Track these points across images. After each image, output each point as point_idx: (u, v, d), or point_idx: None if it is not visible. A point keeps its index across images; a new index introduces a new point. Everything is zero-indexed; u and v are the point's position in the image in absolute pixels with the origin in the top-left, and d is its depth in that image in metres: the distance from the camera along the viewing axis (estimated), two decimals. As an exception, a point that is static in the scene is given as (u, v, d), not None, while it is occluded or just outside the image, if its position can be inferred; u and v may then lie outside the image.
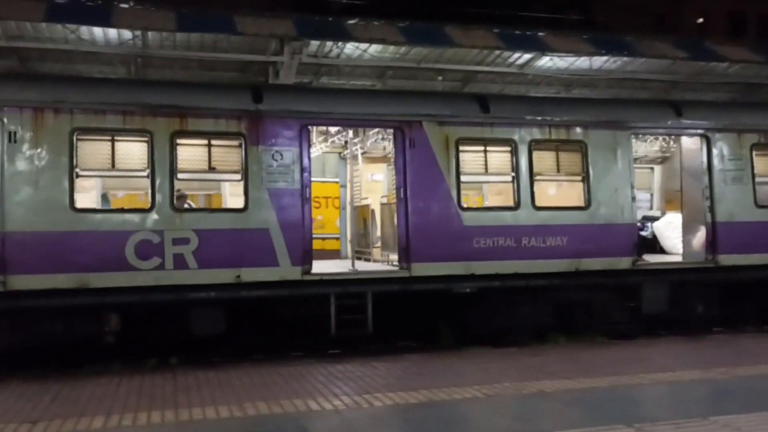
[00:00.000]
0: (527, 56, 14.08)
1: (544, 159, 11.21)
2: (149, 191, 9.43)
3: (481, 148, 10.94)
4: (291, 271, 9.66)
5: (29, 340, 9.08)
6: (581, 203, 11.13)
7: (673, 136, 13.48)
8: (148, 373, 8.59)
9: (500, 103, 11.38)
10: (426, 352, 9.87)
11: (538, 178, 11.02)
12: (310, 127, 10.32)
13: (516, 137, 10.88)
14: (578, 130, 11.21)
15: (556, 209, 11.13)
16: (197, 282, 9.30)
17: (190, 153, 9.89)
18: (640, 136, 13.15)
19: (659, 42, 15.34)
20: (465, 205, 10.90)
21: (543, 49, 13.91)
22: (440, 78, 15.23)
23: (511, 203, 11.00)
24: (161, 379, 8.17)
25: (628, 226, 11.27)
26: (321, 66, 15.03)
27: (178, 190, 11.42)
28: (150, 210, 9.32)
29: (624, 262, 11.12)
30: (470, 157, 10.90)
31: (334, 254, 14.53)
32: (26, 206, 8.83)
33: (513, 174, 10.84)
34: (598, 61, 14.47)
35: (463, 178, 10.65)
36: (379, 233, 12.76)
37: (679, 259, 12.46)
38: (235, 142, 9.85)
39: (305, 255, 9.79)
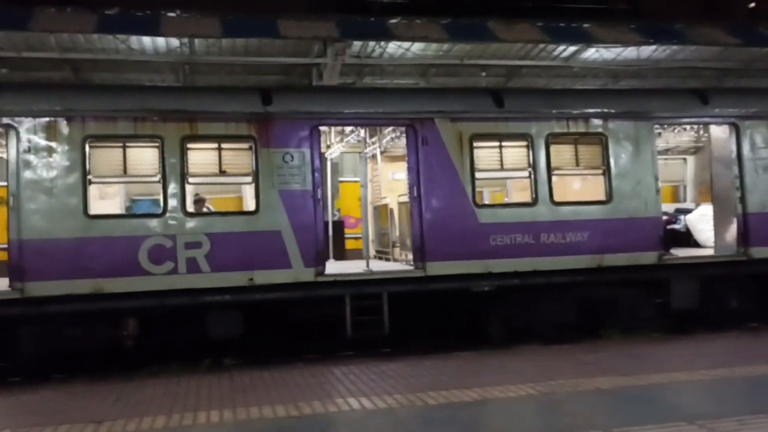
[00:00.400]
0: (572, 48, 13.87)
1: (563, 153, 10.99)
2: (161, 196, 9.56)
3: (496, 143, 10.77)
4: (304, 272, 9.68)
5: (52, 345, 9.25)
6: (602, 197, 10.86)
7: (701, 126, 13.05)
8: (205, 373, 8.77)
9: (515, 97, 11.17)
10: (477, 350, 9.78)
11: (556, 172, 10.80)
12: (321, 127, 10.31)
13: (532, 131, 10.66)
14: (598, 122, 10.94)
15: (576, 204, 10.87)
16: (210, 285, 9.37)
17: (201, 157, 10.00)
18: (666, 126, 12.73)
19: (710, 28, 14.91)
20: (480, 202, 10.79)
21: (588, 40, 13.68)
22: (484, 74, 15.13)
23: (528, 199, 10.84)
24: (217, 379, 8.34)
25: (653, 220, 10.94)
26: (364, 66, 15.10)
27: (197, 194, 11.60)
28: (162, 215, 9.42)
29: (649, 257, 10.81)
30: (485, 153, 10.74)
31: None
32: (41, 214, 9.02)
33: (530, 169, 10.65)
34: (646, 51, 14.15)
35: (477, 174, 10.49)
36: (397, 232, 12.69)
37: (710, 252, 12.06)
38: (245, 145, 9.87)
39: (318, 256, 9.79)
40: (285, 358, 9.81)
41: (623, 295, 10.95)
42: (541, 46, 13.72)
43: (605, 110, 11.00)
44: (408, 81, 15.55)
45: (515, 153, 10.86)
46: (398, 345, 10.42)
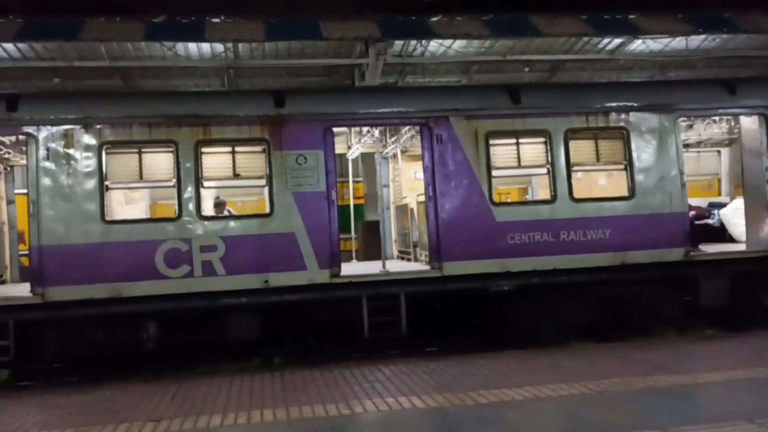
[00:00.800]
0: (618, 41, 13.65)
1: (582, 148, 10.69)
2: (176, 200, 9.63)
3: (513, 140, 10.53)
4: (319, 274, 9.64)
5: (75, 347, 9.40)
6: (624, 193, 10.58)
7: (732, 117, 12.57)
8: (257, 373, 8.92)
9: (532, 92, 10.94)
10: (528, 348, 9.69)
11: (575, 168, 10.53)
12: (334, 128, 10.20)
13: (550, 127, 10.41)
14: (619, 115, 10.63)
15: (597, 200, 10.56)
16: (226, 288, 9.40)
17: (215, 161, 10.00)
18: (693, 118, 12.34)
19: (762, 15, 14.47)
20: (497, 201, 10.61)
21: (634, 32, 13.43)
22: (527, 69, 15.01)
23: (546, 196, 10.64)
24: (270, 378, 8.47)
25: (678, 215, 10.55)
26: (406, 65, 15.12)
27: (217, 197, 11.69)
28: (177, 219, 9.52)
29: (675, 254, 10.45)
30: (501, 151, 10.51)
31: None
32: (60, 220, 9.17)
33: (548, 166, 10.45)
34: (695, 41, 13.84)
35: (494, 172, 10.29)
36: (417, 232, 12.53)
37: (742, 247, 11.58)
38: (259, 148, 9.89)
39: (333, 257, 9.74)
40: (331, 356, 9.88)
41: (649, 294, 10.60)
42: (585, 39, 13.53)
43: (626, 104, 10.68)
44: (450, 79, 15.51)
45: (533, 150, 10.62)
46: (446, 344, 10.37)
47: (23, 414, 7.28)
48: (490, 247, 10.02)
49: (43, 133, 9.33)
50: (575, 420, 6.18)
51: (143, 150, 9.75)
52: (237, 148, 9.99)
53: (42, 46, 13.84)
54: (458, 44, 14.31)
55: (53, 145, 9.33)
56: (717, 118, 12.87)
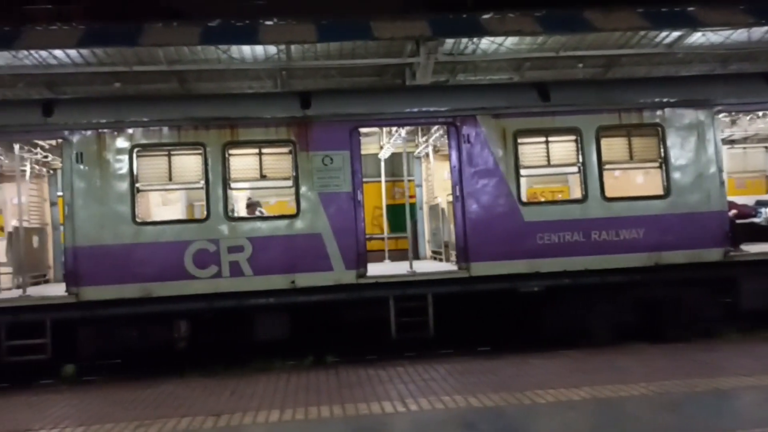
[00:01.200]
0: (676, 34, 13.27)
1: (614, 146, 10.39)
2: (204, 201, 9.72)
3: (542, 139, 10.30)
4: (345, 274, 9.64)
5: (109, 345, 9.64)
6: (659, 191, 10.25)
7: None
8: (311, 370, 9.02)
9: (562, 89, 10.65)
10: (582, 348, 9.53)
11: (607, 167, 10.22)
12: (360, 129, 10.17)
13: (581, 125, 10.16)
14: (653, 112, 10.30)
15: (630, 199, 10.21)
16: (252, 288, 9.48)
17: (242, 162, 10.07)
18: (733, 113, 11.77)
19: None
20: (525, 200, 10.39)
21: (694, 24, 13.03)
22: (581, 65, 14.74)
23: (577, 195, 10.36)
24: (325, 376, 8.57)
25: (717, 214, 10.16)
26: (457, 63, 15.05)
27: (249, 198, 11.79)
28: (205, 220, 9.63)
29: (713, 254, 10.07)
30: (530, 150, 10.31)
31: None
32: (93, 222, 9.39)
33: (579, 164, 10.19)
34: (758, 32, 13.34)
35: (522, 171, 10.14)
36: (448, 232, 12.35)
37: None
38: (285, 149, 9.93)
39: (359, 258, 9.71)
40: (383, 355, 9.90)
41: (686, 295, 10.25)
42: (642, 33, 13.19)
43: (661, 99, 10.34)
44: (501, 76, 15.38)
45: (563, 148, 10.38)
46: (497, 344, 10.29)
47: (93, 406, 7.55)
48: (518, 247, 9.88)
49: (77, 136, 9.59)
50: (636, 421, 6.06)
51: (173, 152, 9.91)
52: (264, 150, 10.08)
53: (103, 52, 14.30)
54: (510, 41, 14.16)
55: (86, 149, 9.57)
56: (761, 113, 12.27)
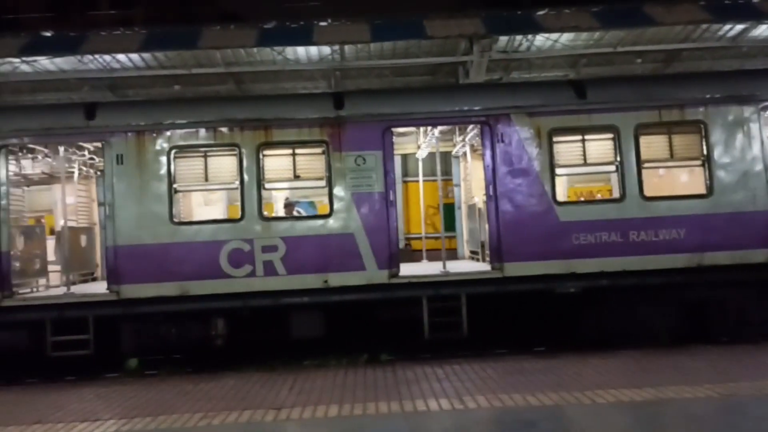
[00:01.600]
0: (740, 27, 12.83)
1: (654, 144, 10.08)
2: (239, 202, 9.88)
3: (579, 137, 10.08)
4: (377, 274, 9.65)
5: (149, 341, 9.88)
6: (701, 191, 9.92)
7: None
8: (368, 367, 9.10)
9: (599, 87, 10.41)
10: (645, 348, 9.33)
11: (646, 165, 9.96)
12: (393, 129, 10.15)
13: (619, 123, 9.93)
14: (695, 108, 9.97)
15: (670, 198, 9.95)
16: (286, 288, 9.57)
17: (276, 163, 10.15)
18: None
19: None
20: (561, 200, 10.19)
21: (759, 16, 12.58)
22: (639, 60, 14.43)
23: (615, 194, 10.11)
24: (381, 373, 8.62)
25: (763, 214, 9.79)
26: (511, 61, 14.92)
27: (287, 198, 11.86)
28: (240, 220, 9.76)
29: (759, 255, 9.70)
30: (565, 148, 10.12)
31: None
32: (133, 222, 9.65)
33: (617, 163, 9.94)
34: (828, 24, 12.81)
35: (557, 170, 9.98)
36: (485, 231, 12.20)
37: None
38: (318, 150, 10.00)
39: (392, 258, 9.73)
40: (436, 355, 9.85)
41: (731, 298, 9.90)
42: (704, 26, 12.81)
43: (703, 95, 10.05)
44: (557, 73, 15.16)
45: (600, 146, 10.16)
46: (555, 343, 10.14)
47: (158, 398, 7.80)
48: (553, 247, 9.73)
49: (117, 139, 9.85)
50: (701, 423, 5.91)
51: (209, 153, 10.08)
52: (297, 150, 10.15)
53: (163, 55, 14.70)
54: (566, 37, 13.95)
55: (126, 151, 9.83)
56: None
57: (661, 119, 10.06)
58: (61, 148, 10.76)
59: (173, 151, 9.92)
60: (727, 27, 12.94)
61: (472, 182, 13.73)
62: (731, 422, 5.92)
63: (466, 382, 7.82)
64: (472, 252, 12.82)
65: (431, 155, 14.54)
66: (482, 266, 10.66)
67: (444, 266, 10.37)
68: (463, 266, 11.26)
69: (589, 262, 9.73)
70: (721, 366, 8.02)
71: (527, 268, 9.76)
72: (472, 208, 13.42)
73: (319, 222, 9.96)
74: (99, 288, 10.23)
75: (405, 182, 16.50)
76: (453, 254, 14.29)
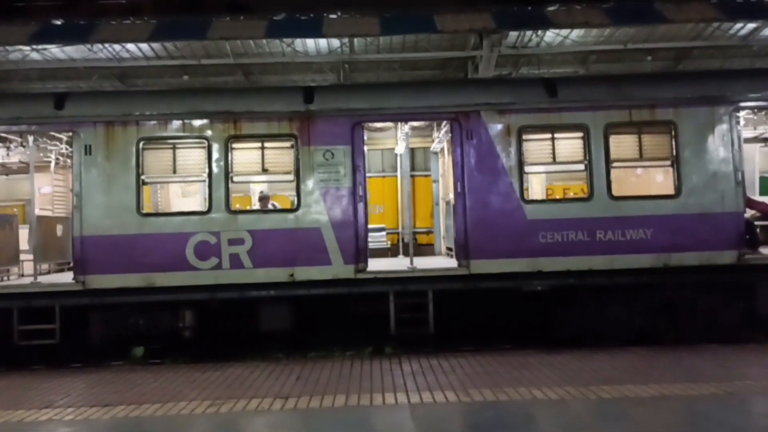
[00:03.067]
0: (752, 25, 12.83)
1: (623, 144, 10.01)
2: (206, 194, 9.87)
3: (548, 135, 10.02)
4: (344, 269, 9.65)
5: (115, 331, 9.88)
6: (669, 191, 9.88)
7: None
8: (374, 359, 9.13)
9: (570, 85, 10.34)
10: (651, 346, 9.35)
11: (615, 165, 9.92)
12: (363, 124, 10.14)
13: (589, 122, 9.87)
14: (665, 109, 9.87)
15: (638, 198, 9.91)
16: (252, 281, 9.58)
17: (244, 156, 10.12)
18: (756, 111, 11.08)
19: None
20: (528, 198, 10.16)
21: (771, 15, 12.59)
22: (649, 58, 14.42)
23: (580, 193, 10.03)
24: (387, 365, 8.65)
25: (732, 215, 9.74)
26: (520, 56, 14.93)
27: (261, 192, 11.86)
28: (207, 212, 9.75)
29: (726, 257, 9.65)
30: (535, 146, 10.06)
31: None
32: (100, 212, 9.62)
33: (585, 162, 9.88)
34: (840, 24, 12.79)
35: (526, 168, 9.95)
36: None
37: None
38: (287, 143, 9.96)
39: (358, 253, 9.71)
40: (439, 348, 9.90)
41: (698, 299, 9.87)
42: (716, 24, 12.79)
43: (675, 95, 9.97)
44: (566, 69, 15.18)
45: (569, 145, 10.11)
46: (565, 339, 10.16)
47: (166, 386, 7.84)
48: (521, 245, 9.68)
49: (86, 129, 9.83)
50: (705, 420, 5.92)
51: (177, 145, 10.04)
52: (266, 144, 10.10)
53: (173, 45, 14.74)
54: (576, 33, 13.97)
55: (94, 141, 9.79)
56: None
57: (632, 119, 10.00)
58: (30, 138, 10.78)
59: (141, 143, 9.87)
60: (739, 26, 12.93)
61: (449, 178, 13.79)
62: (734, 419, 5.93)
63: (472, 375, 7.85)
64: (449, 248, 12.85)
65: (411, 150, 14.59)
66: (450, 263, 10.62)
67: (411, 262, 10.37)
68: (431, 262, 11.23)
69: (557, 260, 9.70)
70: (728, 364, 8.02)
71: (494, 266, 9.72)
72: (449, 204, 13.46)
73: (286, 216, 9.92)
74: (66, 278, 10.22)
75: (383, 177, 16.59)
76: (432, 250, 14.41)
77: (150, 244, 9.67)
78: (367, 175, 11.18)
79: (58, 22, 14.80)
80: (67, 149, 12.18)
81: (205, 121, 9.94)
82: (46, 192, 13.12)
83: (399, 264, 11.07)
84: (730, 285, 9.91)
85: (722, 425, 5.76)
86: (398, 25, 14.19)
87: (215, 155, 9.87)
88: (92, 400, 7.23)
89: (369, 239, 11.63)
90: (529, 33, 14.00)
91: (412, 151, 15.55)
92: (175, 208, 12.42)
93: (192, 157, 10.12)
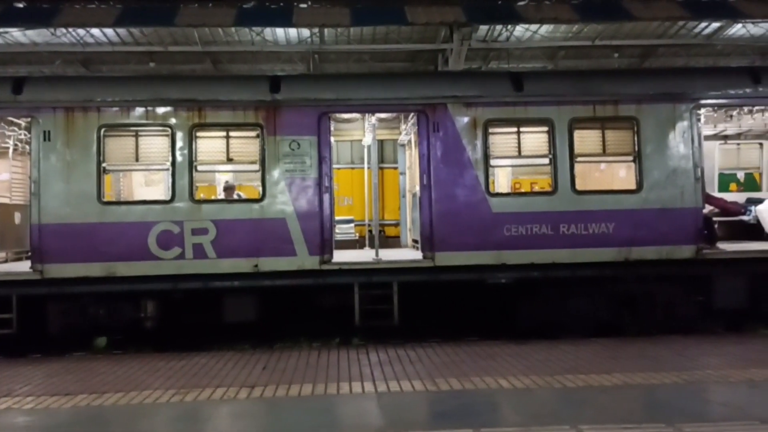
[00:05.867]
0: (716, 25, 13.09)
1: (587, 139, 10.18)
2: (169, 183, 9.77)
3: (514, 129, 10.15)
4: (309, 260, 9.63)
5: (75, 322, 9.72)
6: (631, 186, 10.09)
7: (755, 108, 11.56)
8: (341, 350, 9.12)
9: (536, 80, 10.52)
10: (614, 337, 9.51)
11: (579, 159, 10.07)
12: (329, 114, 10.12)
13: (554, 116, 9.99)
14: (628, 105, 10.06)
15: (601, 193, 10.12)
16: (215, 271, 9.52)
17: (209, 145, 10.02)
18: (717, 108, 11.37)
19: None
20: (494, 191, 10.31)
21: (734, 15, 12.84)
22: (616, 55, 14.63)
23: (547, 187, 10.24)
24: (355, 355, 8.65)
25: (691, 210, 9.96)
26: (490, 50, 15.00)
27: (227, 181, 11.80)
28: (170, 201, 9.64)
29: (685, 251, 9.88)
30: (501, 140, 10.17)
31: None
32: (59, 200, 9.43)
33: (550, 156, 10.00)
34: (801, 25, 13.12)
35: (492, 162, 10.07)
36: None
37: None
38: (253, 133, 9.90)
39: (324, 244, 9.71)
40: (408, 338, 9.89)
41: (658, 292, 10.12)
42: (681, 23, 13.02)
43: (637, 92, 10.15)
44: (535, 65, 15.31)
45: (535, 139, 10.24)
46: (531, 330, 10.28)
47: (129, 375, 7.72)
48: (485, 238, 9.76)
49: (44, 114, 9.60)
50: (666, 407, 6.04)
51: (140, 133, 9.89)
52: (231, 133, 10.01)
53: (139, 31, 14.45)
54: (545, 29, 14.08)
55: (53, 127, 9.58)
56: (745, 108, 11.82)
57: (596, 114, 10.12)
58: None
59: (103, 130, 9.67)
60: (703, 25, 13.17)
61: (416, 171, 13.82)
62: (695, 407, 6.06)
63: (439, 365, 7.88)
64: (415, 241, 12.92)
65: (380, 142, 14.59)
66: (415, 255, 10.65)
67: (377, 254, 10.38)
68: (397, 254, 11.27)
69: (521, 253, 9.79)
70: (688, 354, 8.21)
71: (459, 258, 9.78)
72: (415, 196, 13.51)
73: (251, 206, 9.82)
74: (24, 267, 9.98)
75: (352, 169, 16.57)
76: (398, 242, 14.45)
77: (111, 233, 9.49)
78: (337, 166, 11.18)
79: (20, 5, 14.38)
80: (25, 135, 11.83)
81: (168, 108, 9.77)
82: (4, 179, 12.77)
83: (365, 256, 11.07)
84: (688, 278, 10.12)
85: (682, 412, 5.87)
86: (369, 16, 14.12)
87: (179, 144, 9.72)
88: (53, 389, 7.08)
89: (337, 231, 11.61)
90: (499, 27, 14.08)
91: (381, 143, 15.54)
92: (138, 197, 12.17)
93: (155, 145, 9.94)
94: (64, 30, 14.11)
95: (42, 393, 6.92)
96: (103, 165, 9.69)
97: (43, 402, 6.56)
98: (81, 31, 14.28)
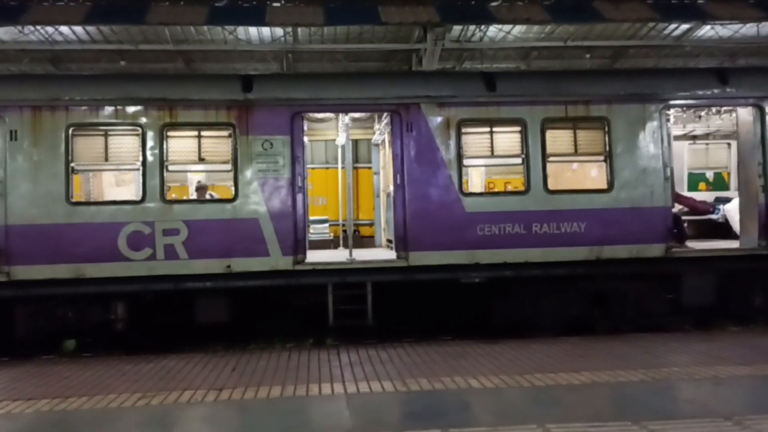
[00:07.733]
0: (685, 26, 13.28)
1: (559, 139, 10.25)
2: (140, 183, 9.64)
3: (487, 129, 10.18)
4: (282, 260, 9.57)
5: (44, 325, 9.58)
6: (602, 185, 10.21)
7: (723, 108, 11.87)
8: (313, 350, 9.07)
9: (508, 80, 10.60)
10: (585, 335, 9.59)
11: (551, 159, 10.15)
12: (302, 114, 10.07)
13: (526, 116, 10.05)
14: (599, 105, 10.17)
15: (572, 192, 10.21)
16: (187, 272, 9.41)
17: (180, 145, 9.91)
18: (685, 109, 11.62)
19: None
20: (467, 191, 10.38)
21: (703, 17, 13.04)
22: (588, 56, 14.77)
23: (520, 187, 10.35)
24: (326, 356, 8.60)
25: (660, 210, 10.08)
26: (464, 51, 15.06)
27: (199, 182, 11.72)
28: (141, 202, 9.51)
29: (655, 250, 10.01)
30: (474, 140, 10.20)
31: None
32: (26, 200, 9.27)
33: (523, 156, 10.05)
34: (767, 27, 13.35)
35: (465, 161, 10.12)
36: None
37: (736, 245, 10.92)
38: (225, 132, 9.81)
39: (297, 244, 9.66)
40: (381, 339, 9.88)
41: (629, 290, 10.25)
42: (651, 24, 13.18)
43: (608, 93, 10.25)
44: (508, 65, 15.39)
45: (507, 139, 10.27)
46: (502, 329, 10.33)
47: (94, 378, 7.60)
48: (459, 237, 9.79)
49: (11, 113, 9.41)
50: (634, 404, 6.09)
51: (110, 132, 9.73)
52: (203, 132, 9.91)
53: (109, 29, 14.28)
54: (518, 30, 14.17)
55: (20, 127, 9.41)
56: (713, 109, 12.20)
57: (567, 114, 10.19)
58: None
59: (71, 129, 9.50)
60: (673, 26, 13.34)
61: (389, 170, 13.84)
62: (662, 404, 6.11)
63: (411, 366, 7.87)
64: (389, 240, 12.92)
65: (354, 142, 14.56)
66: (389, 254, 10.65)
67: (350, 254, 10.34)
68: (371, 254, 11.22)
69: (494, 253, 9.83)
70: (656, 352, 8.28)
71: (432, 258, 9.79)
72: (389, 196, 13.52)
73: (224, 206, 9.72)
74: None
75: (327, 169, 16.53)
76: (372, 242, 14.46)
77: (80, 233, 9.32)
78: (310, 166, 11.07)
79: (-13, 2, 14.13)
80: None
81: (139, 107, 9.63)
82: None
83: (339, 256, 11.03)
84: (658, 276, 10.24)
85: (649, 409, 5.93)
86: (343, 16, 14.10)
87: (150, 143, 9.58)
88: (15, 394, 6.94)
89: (311, 231, 11.52)
90: (472, 27, 14.14)
91: (356, 143, 15.51)
92: (109, 197, 11.99)
93: (125, 144, 9.78)
94: (32, 27, 13.87)
95: (4, 398, 6.77)
96: (72, 165, 9.53)
97: (5, 407, 6.43)
98: (49, 29, 14.06)
